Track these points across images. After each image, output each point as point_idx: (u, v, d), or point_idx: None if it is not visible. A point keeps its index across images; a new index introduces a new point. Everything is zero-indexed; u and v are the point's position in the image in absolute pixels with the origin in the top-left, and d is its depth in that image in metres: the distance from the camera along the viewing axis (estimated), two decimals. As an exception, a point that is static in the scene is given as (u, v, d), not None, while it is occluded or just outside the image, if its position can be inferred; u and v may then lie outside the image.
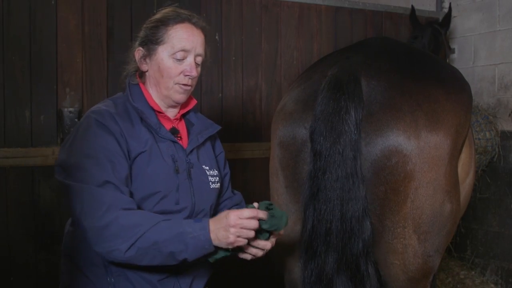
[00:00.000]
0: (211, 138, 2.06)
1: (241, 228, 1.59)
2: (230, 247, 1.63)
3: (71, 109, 3.12)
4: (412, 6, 4.24)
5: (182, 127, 1.98)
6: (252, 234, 1.61)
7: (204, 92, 3.54)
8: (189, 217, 1.82)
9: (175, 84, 1.85)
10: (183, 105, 1.97)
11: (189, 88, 1.88)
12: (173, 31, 1.84)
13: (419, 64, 2.16)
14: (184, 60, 1.84)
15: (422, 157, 1.89)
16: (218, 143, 2.12)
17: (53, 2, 3.10)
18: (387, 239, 1.96)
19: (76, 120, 3.12)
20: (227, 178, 2.12)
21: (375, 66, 2.04)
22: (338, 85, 1.94)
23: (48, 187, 3.03)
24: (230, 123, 3.61)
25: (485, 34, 4.47)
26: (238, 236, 1.59)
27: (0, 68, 2.97)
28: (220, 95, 3.58)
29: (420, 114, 1.91)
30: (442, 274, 4.37)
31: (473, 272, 4.46)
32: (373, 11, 4.23)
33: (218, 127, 2.06)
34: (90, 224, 1.62)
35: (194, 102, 2.02)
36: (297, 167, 2.06)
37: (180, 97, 1.88)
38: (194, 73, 1.84)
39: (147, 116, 1.83)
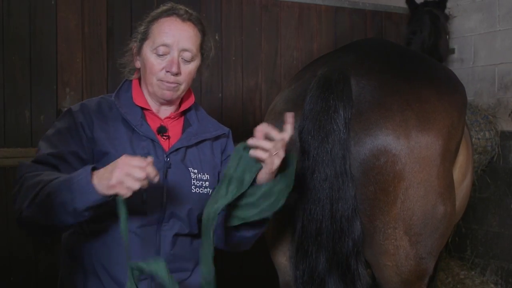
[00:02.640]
0: (217, 141, 1.96)
1: (127, 173, 1.43)
2: (110, 192, 1.46)
3: (71, 109, 3.12)
4: None
5: (176, 126, 1.91)
6: (136, 185, 1.44)
7: (204, 92, 3.54)
8: (158, 218, 1.77)
9: (158, 80, 1.79)
10: (179, 104, 1.93)
11: (173, 85, 1.80)
12: (156, 26, 1.80)
13: (411, 64, 2.13)
14: (167, 56, 1.78)
15: (412, 157, 1.86)
16: (229, 147, 1.99)
17: (53, 2, 3.10)
18: (378, 240, 1.94)
19: (76, 120, 3.12)
20: None
21: (365, 66, 2.02)
22: (327, 84, 1.91)
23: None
24: (230, 123, 3.61)
25: (485, 34, 4.46)
26: (121, 182, 1.44)
27: (0, 68, 2.98)
28: (220, 95, 3.58)
29: (410, 113, 1.89)
30: (442, 274, 4.36)
31: (473, 272, 4.46)
32: (373, 11, 4.23)
33: (220, 132, 1.97)
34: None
35: (190, 101, 1.94)
36: None
37: (166, 94, 1.80)
38: (174, 69, 1.75)
39: (127, 112, 1.80)
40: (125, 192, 1.45)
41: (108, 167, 1.49)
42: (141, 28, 1.85)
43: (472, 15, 4.57)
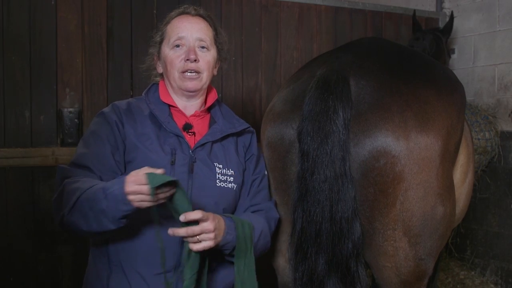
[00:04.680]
0: (241, 137, 2.05)
1: (135, 189, 1.55)
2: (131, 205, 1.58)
3: (71, 109, 3.12)
4: (414, 10, 4.23)
5: (202, 123, 2.00)
6: (142, 198, 1.55)
7: (204, 92, 3.54)
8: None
9: (180, 73, 1.90)
10: (204, 100, 2.02)
11: (196, 75, 1.91)
12: (169, 26, 1.96)
13: (410, 64, 2.12)
14: (184, 47, 1.91)
15: (412, 159, 1.85)
16: (253, 145, 2.09)
17: (53, 2, 3.10)
18: (377, 242, 1.93)
19: (76, 120, 3.12)
20: (256, 182, 2.06)
21: (364, 66, 2.01)
22: (326, 84, 1.90)
23: (48, 187, 3.03)
24: (230, 123, 3.61)
25: (485, 34, 4.46)
26: (134, 194, 1.55)
27: (0, 68, 2.98)
28: (220, 95, 3.58)
29: (410, 114, 1.87)
30: (442, 274, 4.36)
31: (473, 272, 4.46)
32: (373, 11, 4.22)
33: (244, 126, 2.06)
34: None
35: (214, 97, 2.05)
36: (285, 168, 2.03)
37: (191, 85, 1.91)
38: (192, 55, 1.88)
39: (155, 109, 1.91)
40: (138, 204, 1.57)
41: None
42: (157, 35, 1.99)
43: (472, 15, 4.57)
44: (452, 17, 4.18)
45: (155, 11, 3.36)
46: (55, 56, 3.11)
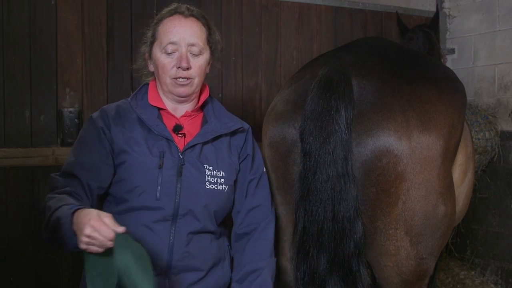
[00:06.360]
0: (234, 137, 2.01)
1: (95, 233, 1.45)
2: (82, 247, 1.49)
3: (71, 109, 3.12)
4: (397, 11, 4.24)
5: (194, 124, 1.97)
6: (104, 242, 1.46)
7: (204, 92, 3.54)
8: (173, 215, 1.81)
9: (171, 79, 1.87)
10: (196, 100, 1.99)
11: (187, 81, 1.87)
12: (161, 27, 1.90)
13: (411, 64, 2.13)
14: (176, 53, 1.86)
15: (414, 158, 1.86)
16: (248, 145, 2.04)
17: (53, 2, 3.10)
18: (379, 241, 1.93)
19: (76, 120, 3.12)
20: (253, 183, 2.02)
21: (366, 66, 2.01)
22: (328, 84, 1.91)
23: (48, 187, 3.02)
24: (230, 123, 3.61)
25: (485, 34, 4.46)
26: (91, 238, 1.46)
27: (0, 68, 2.97)
28: (220, 95, 3.58)
29: (412, 114, 1.88)
30: (442, 274, 4.36)
31: (473, 272, 4.46)
32: (372, 11, 4.22)
33: (238, 126, 2.01)
34: None
35: (205, 96, 2.00)
36: (287, 168, 2.03)
37: (182, 91, 1.88)
38: (184, 64, 1.83)
39: (143, 113, 1.88)
40: (94, 249, 1.48)
41: (85, 217, 1.49)
42: (149, 33, 1.94)
43: (472, 15, 4.57)
44: (437, 10, 4.18)
45: (155, 11, 3.35)
46: (55, 56, 3.11)
